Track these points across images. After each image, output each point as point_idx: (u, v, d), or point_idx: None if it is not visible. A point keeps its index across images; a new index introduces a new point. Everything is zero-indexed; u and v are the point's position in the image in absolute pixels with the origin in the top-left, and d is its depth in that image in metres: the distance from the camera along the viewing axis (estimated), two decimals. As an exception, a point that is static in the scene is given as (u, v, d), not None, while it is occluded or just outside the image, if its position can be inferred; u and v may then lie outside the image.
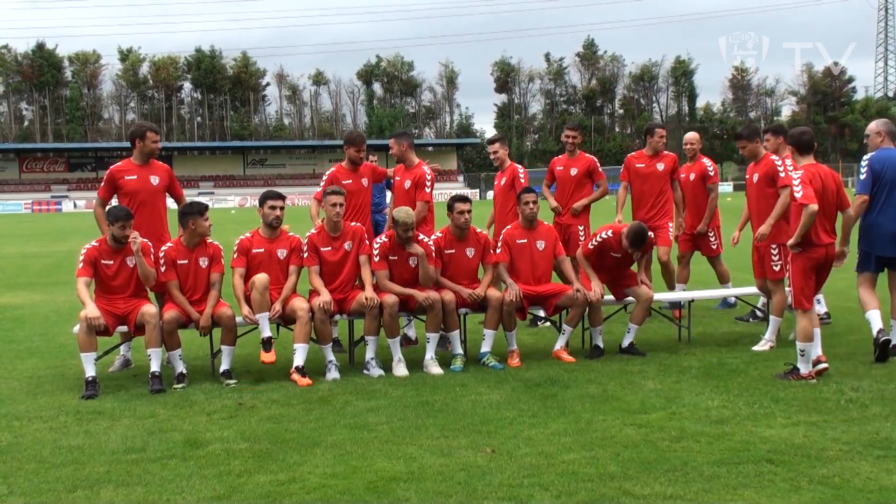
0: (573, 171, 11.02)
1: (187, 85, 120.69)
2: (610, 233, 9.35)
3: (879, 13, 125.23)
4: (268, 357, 8.25)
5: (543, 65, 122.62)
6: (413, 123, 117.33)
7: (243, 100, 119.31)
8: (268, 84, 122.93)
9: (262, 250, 8.70)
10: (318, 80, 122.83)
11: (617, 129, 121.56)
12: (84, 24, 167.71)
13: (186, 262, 8.57)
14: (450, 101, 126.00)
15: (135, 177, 9.09)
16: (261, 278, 8.33)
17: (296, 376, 8.23)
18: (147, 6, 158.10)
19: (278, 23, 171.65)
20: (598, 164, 11.21)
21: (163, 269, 8.49)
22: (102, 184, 9.21)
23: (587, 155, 11.31)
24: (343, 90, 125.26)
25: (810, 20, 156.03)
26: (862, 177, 8.73)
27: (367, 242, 8.93)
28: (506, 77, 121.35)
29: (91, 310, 7.97)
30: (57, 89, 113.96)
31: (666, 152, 11.36)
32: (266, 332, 8.33)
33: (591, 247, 9.38)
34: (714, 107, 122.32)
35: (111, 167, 9.32)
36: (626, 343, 9.27)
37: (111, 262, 8.36)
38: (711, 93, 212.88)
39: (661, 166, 11.12)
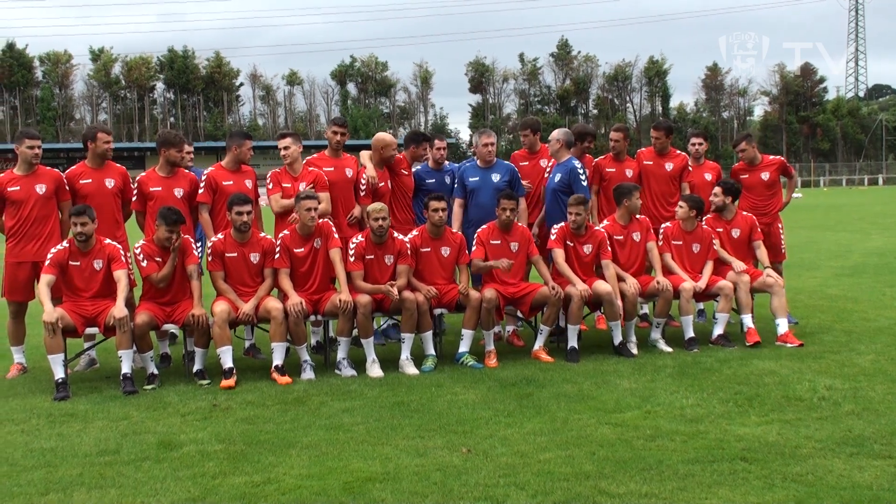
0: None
1: (160, 85, 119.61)
2: (562, 223, 9.46)
3: (850, 13, 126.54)
4: (227, 383, 8.07)
5: (518, 65, 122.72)
6: (388, 124, 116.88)
7: (217, 100, 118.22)
8: (241, 84, 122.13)
9: (235, 254, 8.67)
10: (292, 80, 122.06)
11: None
12: (55, 24, 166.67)
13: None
14: (424, 101, 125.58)
15: (89, 180, 9.02)
16: (220, 312, 8.30)
17: (276, 375, 8.25)
18: (114, 6, 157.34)
19: (250, 22, 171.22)
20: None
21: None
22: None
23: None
24: (317, 90, 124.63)
25: (784, 19, 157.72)
26: None
27: (336, 236, 8.90)
28: (480, 77, 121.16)
29: (48, 314, 7.88)
30: (28, 89, 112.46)
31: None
32: (228, 363, 8.22)
33: (553, 238, 9.40)
34: (687, 107, 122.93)
35: (67, 171, 9.21)
36: (615, 342, 9.25)
37: (78, 262, 8.31)
38: (685, 93, 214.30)
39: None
